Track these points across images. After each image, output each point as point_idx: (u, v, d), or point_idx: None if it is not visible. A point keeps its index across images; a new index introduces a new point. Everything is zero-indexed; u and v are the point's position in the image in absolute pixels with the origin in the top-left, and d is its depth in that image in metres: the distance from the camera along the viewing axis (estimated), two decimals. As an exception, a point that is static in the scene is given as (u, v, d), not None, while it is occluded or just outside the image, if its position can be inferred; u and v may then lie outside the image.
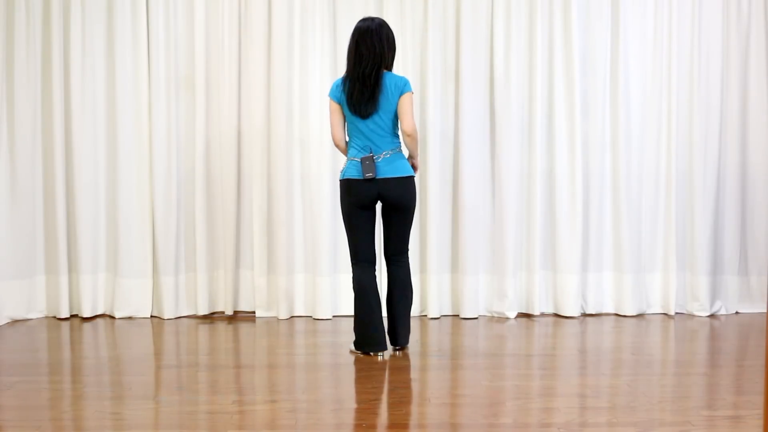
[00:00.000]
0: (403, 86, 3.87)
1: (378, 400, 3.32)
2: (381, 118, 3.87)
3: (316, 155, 4.86)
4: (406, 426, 3.02)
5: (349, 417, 3.10)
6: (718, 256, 4.98)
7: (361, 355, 3.97)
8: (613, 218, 4.98)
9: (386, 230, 4.02)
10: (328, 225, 4.85)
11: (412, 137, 3.90)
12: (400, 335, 4.03)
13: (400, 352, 4.04)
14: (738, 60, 4.96)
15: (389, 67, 3.92)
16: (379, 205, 4.02)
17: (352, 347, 4.09)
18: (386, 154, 3.88)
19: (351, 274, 4.09)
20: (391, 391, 3.42)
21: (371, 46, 3.83)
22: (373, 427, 2.99)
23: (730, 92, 4.97)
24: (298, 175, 4.90)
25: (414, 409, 3.22)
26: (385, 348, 3.95)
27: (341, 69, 4.89)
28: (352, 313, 4.22)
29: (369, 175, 3.82)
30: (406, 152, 4.11)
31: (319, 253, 4.85)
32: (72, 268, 4.89)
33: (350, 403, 3.26)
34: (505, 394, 3.37)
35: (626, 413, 3.10)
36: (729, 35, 4.95)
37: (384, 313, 4.04)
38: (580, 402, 3.28)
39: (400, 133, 3.97)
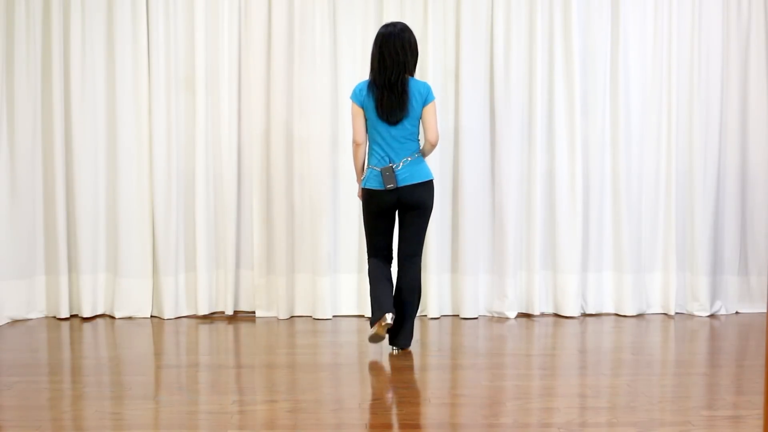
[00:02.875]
0: (427, 94, 3.92)
1: (378, 400, 3.32)
2: (407, 125, 3.91)
3: (316, 155, 4.86)
4: (406, 426, 3.02)
5: (349, 417, 3.10)
6: (718, 256, 4.98)
7: (373, 329, 3.89)
8: (613, 218, 4.98)
9: (402, 231, 4.04)
10: (328, 225, 4.85)
11: (435, 146, 3.99)
12: (401, 337, 4.03)
13: (399, 351, 4.04)
14: (738, 60, 4.96)
15: (412, 73, 3.95)
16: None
17: (369, 331, 4.10)
18: (406, 161, 3.91)
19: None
20: (391, 391, 3.42)
21: (394, 53, 3.85)
22: (374, 427, 2.99)
23: (730, 92, 4.97)
24: (298, 175, 4.90)
25: (414, 409, 3.22)
26: (390, 310, 3.84)
27: (341, 69, 4.90)
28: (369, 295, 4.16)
29: (390, 186, 3.87)
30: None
31: (319, 253, 4.85)
32: (72, 268, 4.89)
33: (350, 403, 3.26)
34: (505, 394, 3.37)
35: (626, 413, 3.10)
36: (729, 35, 4.94)
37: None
38: (580, 402, 3.28)
39: (420, 137, 4.02)
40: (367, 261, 4.13)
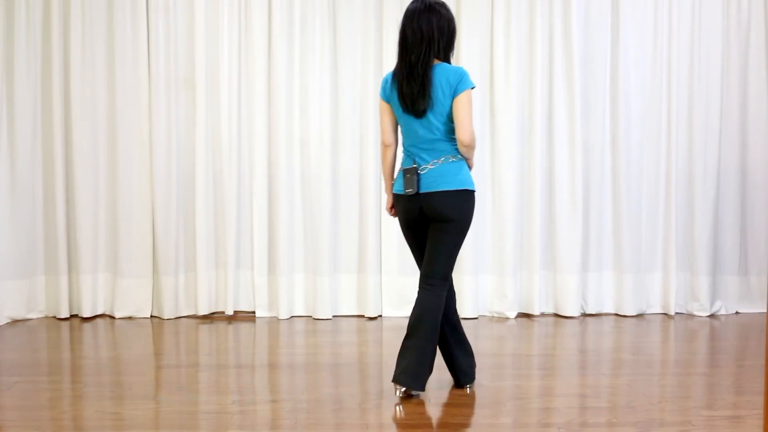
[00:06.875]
0: (458, 82, 3.20)
1: (378, 400, 3.32)
2: (432, 119, 3.23)
3: (316, 155, 4.86)
4: (406, 426, 3.02)
5: (349, 417, 3.10)
6: (718, 256, 4.98)
7: (398, 394, 3.30)
8: (613, 218, 4.98)
9: (426, 247, 3.36)
10: (328, 225, 4.85)
11: (469, 147, 3.25)
12: (459, 373, 3.48)
13: (469, 389, 3.47)
14: (738, 60, 4.96)
15: (440, 57, 3.26)
16: None
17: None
18: (435, 164, 3.26)
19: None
20: (391, 391, 3.41)
21: (417, 30, 3.21)
22: (373, 427, 2.99)
23: (730, 92, 4.97)
24: (298, 175, 4.90)
25: (414, 409, 3.21)
26: (415, 387, 3.25)
27: (341, 69, 4.90)
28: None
29: (409, 190, 3.25)
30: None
31: (319, 253, 4.85)
32: (72, 268, 4.89)
33: (350, 403, 3.26)
34: (505, 394, 3.37)
35: (626, 413, 3.10)
36: (729, 35, 4.95)
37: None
38: (580, 402, 3.28)
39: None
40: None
